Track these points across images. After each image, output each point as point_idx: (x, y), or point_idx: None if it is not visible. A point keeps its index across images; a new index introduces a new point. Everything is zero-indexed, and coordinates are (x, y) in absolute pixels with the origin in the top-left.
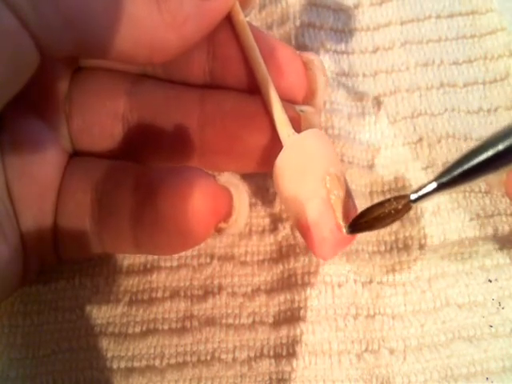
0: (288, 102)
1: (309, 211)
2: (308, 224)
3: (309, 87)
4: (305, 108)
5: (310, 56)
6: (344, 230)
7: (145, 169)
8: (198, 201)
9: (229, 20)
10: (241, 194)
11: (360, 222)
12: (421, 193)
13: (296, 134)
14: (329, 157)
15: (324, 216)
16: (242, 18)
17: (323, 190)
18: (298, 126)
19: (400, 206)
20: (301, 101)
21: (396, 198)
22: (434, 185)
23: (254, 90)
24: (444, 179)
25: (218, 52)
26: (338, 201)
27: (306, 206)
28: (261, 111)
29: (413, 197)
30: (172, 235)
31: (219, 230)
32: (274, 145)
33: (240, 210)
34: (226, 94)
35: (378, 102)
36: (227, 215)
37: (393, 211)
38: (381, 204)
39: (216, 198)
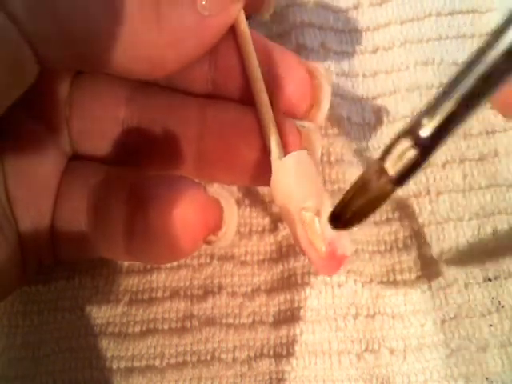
0: (292, 111)
1: (299, 237)
2: (301, 248)
3: (314, 96)
4: (306, 124)
5: (315, 64)
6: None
7: (139, 177)
8: (187, 210)
9: (232, 29)
10: (230, 206)
11: (345, 219)
12: (404, 171)
13: (281, 158)
14: (306, 187)
15: (307, 246)
16: (244, 27)
17: (300, 223)
18: (298, 142)
19: (381, 192)
20: (305, 110)
21: (373, 179)
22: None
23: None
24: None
25: (220, 62)
26: (314, 234)
27: (295, 232)
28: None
29: (395, 176)
30: (161, 245)
31: (209, 242)
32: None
33: (230, 223)
34: (227, 104)
35: (377, 102)
36: (217, 227)
37: (374, 198)
38: (359, 191)
39: (205, 209)
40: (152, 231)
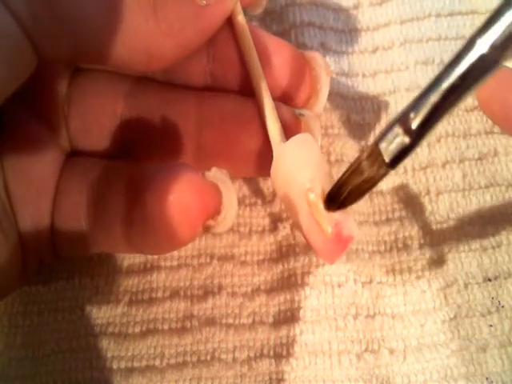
0: (290, 102)
1: (301, 222)
2: (304, 233)
3: (312, 87)
4: (305, 112)
5: (313, 54)
6: (329, 233)
7: (137, 169)
8: (183, 194)
9: (229, 20)
10: (229, 190)
11: (340, 199)
12: (396, 155)
13: (283, 143)
14: (311, 169)
15: (312, 229)
16: (241, 18)
17: (305, 205)
18: (297, 130)
19: (375, 173)
20: (304, 100)
21: (368, 161)
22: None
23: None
24: (418, 122)
25: (218, 54)
26: (321, 215)
27: (298, 218)
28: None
29: (388, 159)
30: (159, 232)
31: (207, 228)
32: (272, 150)
33: (229, 208)
34: (226, 96)
35: (377, 102)
36: (215, 212)
37: (369, 178)
38: (354, 171)
39: (203, 193)
40: (150, 218)
